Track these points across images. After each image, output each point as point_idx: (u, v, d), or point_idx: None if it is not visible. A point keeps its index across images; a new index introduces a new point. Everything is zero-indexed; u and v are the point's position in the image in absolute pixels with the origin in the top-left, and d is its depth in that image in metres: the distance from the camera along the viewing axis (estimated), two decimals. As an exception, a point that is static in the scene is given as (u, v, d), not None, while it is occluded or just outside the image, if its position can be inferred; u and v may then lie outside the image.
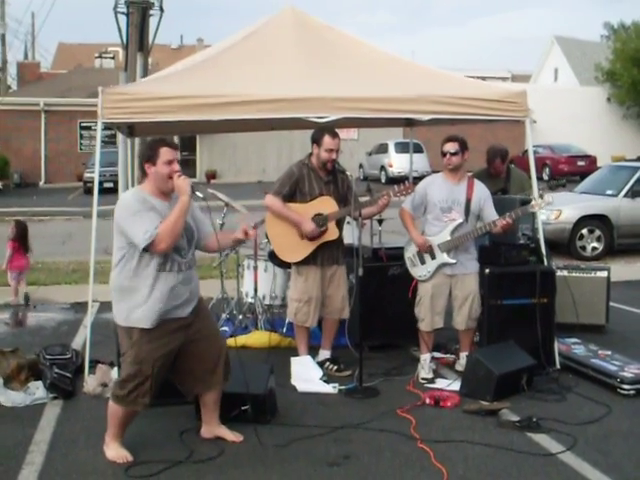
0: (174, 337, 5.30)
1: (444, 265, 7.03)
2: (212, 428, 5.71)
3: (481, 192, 7.12)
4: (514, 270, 7.30)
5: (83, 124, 34.58)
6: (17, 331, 9.35)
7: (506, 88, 7.59)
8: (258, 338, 8.22)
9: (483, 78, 48.66)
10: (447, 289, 7.11)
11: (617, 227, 15.13)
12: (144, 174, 5.30)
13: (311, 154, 7.15)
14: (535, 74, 57.32)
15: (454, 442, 5.65)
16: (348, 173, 7.15)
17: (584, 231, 15.03)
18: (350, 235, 8.34)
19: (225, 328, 8.68)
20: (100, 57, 43.85)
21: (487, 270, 7.17)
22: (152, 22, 14.23)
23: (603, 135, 42.03)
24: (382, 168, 34.53)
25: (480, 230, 7.05)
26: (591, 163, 33.45)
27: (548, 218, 14.83)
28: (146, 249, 5.08)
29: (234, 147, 37.17)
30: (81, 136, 35.51)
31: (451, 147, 7.02)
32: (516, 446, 5.58)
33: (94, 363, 7.08)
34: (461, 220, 6.99)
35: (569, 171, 33.70)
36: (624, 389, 6.70)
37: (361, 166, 37.44)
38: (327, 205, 7.06)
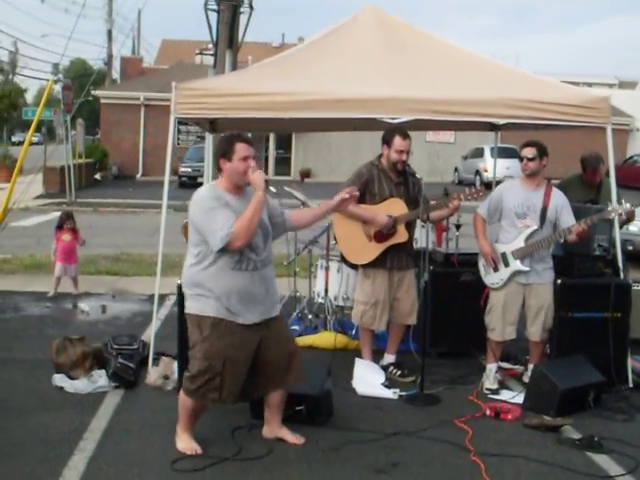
0: (249, 337, 5.27)
1: (518, 273, 6.84)
2: (274, 429, 5.68)
3: (559, 199, 6.90)
4: (587, 282, 7.04)
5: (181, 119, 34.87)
6: (93, 320, 9.47)
7: (588, 92, 7.30)
8: (326, 339, 8.15)
9: (589, 84, 47.95)
10: (520, 298, 6.91)
11: None
12: (219, 170, 5.26)
13: (381, 155, 7.05)
14: (641, 81, 55.86)
15: (509, 457, 5.48)
16: (418, 176, 7.02)
17: (679, 243, 14.47)
18: (424, 239, 8.22)
19: (295, 327, 8.65)
20: (201, 54, 44.24)
21: (559, 281, 6.94)
22: (243, 20, 14.29)
23: None
24: (477, 172, 34.08)
25: (555, 237, 6.83)
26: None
27: (640, 229, 14.36)
28: (223, 248, 5.06)
29: (329, 147, 37.21)
30: (179, 131, 36.10)
31: (529, 152, 6.82)
32: (573, 465, 5.37)
33: (159, 355, 7.12)
34: (535, 227, 6.78)
35: (671, 182, 32.63)
36: (697, 412, 6.41)
37: (456, 170, 37.09)
38: (397, 207, 6.94)
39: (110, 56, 46.53)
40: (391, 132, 6.92)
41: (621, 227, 7.62)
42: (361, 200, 6.96)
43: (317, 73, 7.04)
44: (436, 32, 8.09)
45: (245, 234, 5.03)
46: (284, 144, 39.28)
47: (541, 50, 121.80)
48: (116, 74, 49.56)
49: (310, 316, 8.79)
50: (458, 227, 8.76)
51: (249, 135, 5.41)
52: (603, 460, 5.51)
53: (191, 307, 5.32)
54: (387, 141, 6.92)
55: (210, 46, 44.62)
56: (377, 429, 5.91)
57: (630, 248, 14.52)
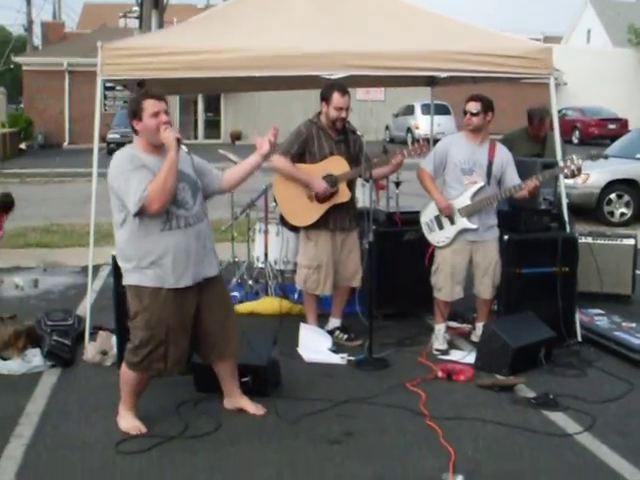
0: (188, 301, 5.05)
1: (465, 231, 6.67)
2: (233, 400, 5.48)
3: (503, 155, 6.74)
4: (534, 237, 6.93)
5: (107, 84, 34.18)
6: (24, 296, 9.08)
7: (531, 44, 7.09)
8: (268, 305, 7.94)
9: (516, 39, 48.02)
10: (467, 256, 6.74)
11: (647, 192, 14.65)
12: (135, 132, 5.03)
13: (320, 113, 6.80)
14: (567, 35, 56.31)
15: (465, 420, 5.33)
16: (359, 133, 6.78)
17: (612, 196, 14.57)
18: (365, 198, 8.02)
19: (235, 293, 8.39)
20: (124, 17, 43.38)
21: (506, 237, 6.81)
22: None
23: (636, 98, 41.20)
24: (408, 130, 34.00)
25: (505, 193, 6.66)
26: (622, 126, 32.71)
27: (575, 182, 14.36)
28: (140, 212, 4.81)
29: (259, 108, 36.74)
30: (105, 96, 35.27)
31: (473, 107, 6.62)
32: (530, 425, 5.24)
33: (96, 330, 6.82)
34: (483, 183, 6.61)
35: (599, 134, 33.09)
36: (649, 364, 6.35)
37: (387, 128, 37.00)
38: (338, 165, 6.70)
39: (30, 21, 45.30)
40: (329, 88, 6.65)
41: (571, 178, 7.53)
42: (301, 159, 6.73)
43: (249, 30, 6.71)
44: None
45: (160, 197, 4.77)
46: (213, 107, 38.74)
47: (466, 6, 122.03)
48: (37, 40, 48.28)
49: (250, 281, 8.55)
50: (398, 185, 8.58)
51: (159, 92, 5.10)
52: (560, 418, 5.40)
53: (128, 279, 5.06)
54: (325, 98, 6.66)
55: (134, 9, 43.84)
56: (327, 397, 5.70)
57: (567, 201, 14.59)
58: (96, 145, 6.85)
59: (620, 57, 44.01)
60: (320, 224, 6.78)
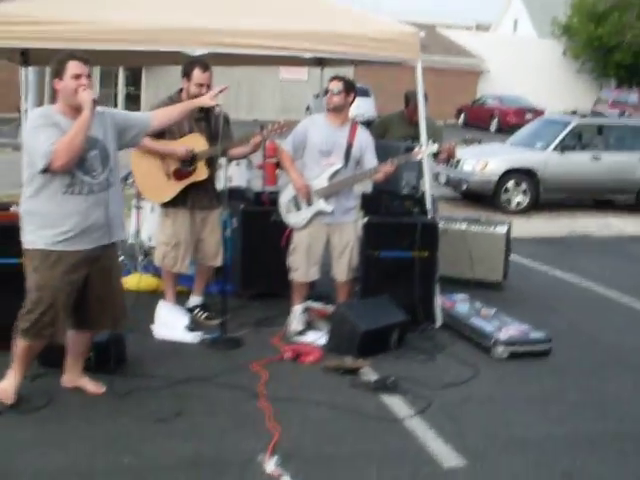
0: (79, 267, 4.99)
1: (321, 212, 6.66)
2: (74, 377, 5.40)
3: (364, 138, 6.72)
4: (393, 221, 6.93)
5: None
6: None
7: (396, 26, 7.02)
8: (135, 281, 7.82)
9: (448, 27, 48.11)
10: (324, 238, 6.72)
11: (543, 181, 14.81)
12: (55, 91, 4.94)
13: (181, 90, 6.70)
14: (495, 24, 56.75)
15: (299, 401, 5.32)
16: (218, 109, 6.66)
17: (509, 184, 14.69)
18: (239, 177, 7.98)
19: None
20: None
21: (365, 219, 6.83)
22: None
23: (557, 88, 41.90)
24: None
25: (360, 176, 6.68)
26: (539, 116, 33.11)
27: (474, 169, 14.56)
28: (46, 169, 4.74)
29: (179, 83, 36.32)
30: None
31: (334, 86, 6.62)
32: (363, 409, 5.26)
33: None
34: (340, 165, 6.59)
35: (517, 123, 33.29)
36: (497, 352, 6.41)
37: (308, 108, 36.82)
38: (196, 143, 6.60)
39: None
40: (190, 65, 6.54)
41: (446, 163, 7.54)
42: (160, 137, 6.60)
43: (119, 2, 6.53)
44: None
45: (65, 154, 4.70)
46: (134, 80, 38.15)
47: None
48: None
49: (122, 257, 8.43)
50: (278, 165, 8.55)
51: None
52: (395, 402, 5.42)
53: (24, 242, 5.00)
54: (187, 74, 6.56)
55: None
56: (169, 375, 5.65)
57: (464, 187, 14.77)
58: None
59: (544, 48, 44.57)
60: (178, 202, 6.67)
